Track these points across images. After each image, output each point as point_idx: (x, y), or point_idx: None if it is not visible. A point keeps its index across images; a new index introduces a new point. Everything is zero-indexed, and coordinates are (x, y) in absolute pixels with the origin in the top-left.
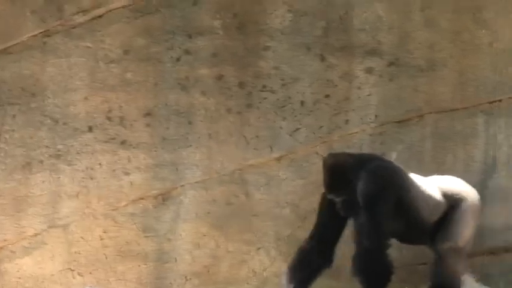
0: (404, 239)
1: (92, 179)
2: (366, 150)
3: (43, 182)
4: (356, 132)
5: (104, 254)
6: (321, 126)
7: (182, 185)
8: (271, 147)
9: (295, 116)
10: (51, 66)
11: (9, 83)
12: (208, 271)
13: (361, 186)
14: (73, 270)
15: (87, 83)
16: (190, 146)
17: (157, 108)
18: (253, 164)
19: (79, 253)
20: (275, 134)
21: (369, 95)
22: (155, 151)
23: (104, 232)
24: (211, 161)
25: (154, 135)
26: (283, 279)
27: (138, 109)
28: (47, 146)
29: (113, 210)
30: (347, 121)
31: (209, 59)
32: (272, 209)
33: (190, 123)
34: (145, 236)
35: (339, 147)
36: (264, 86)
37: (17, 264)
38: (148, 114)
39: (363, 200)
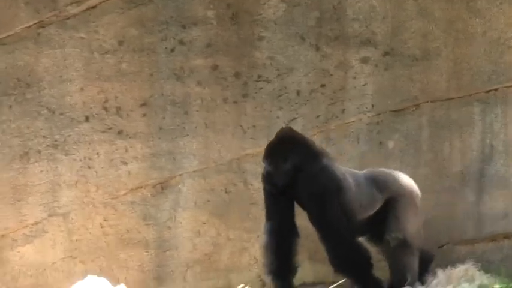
0: None
1: (89, 168)
2: (363, 139)
3: (41, 171)
4: (353, 122)
5: (105, 241)
6: (318, 116)
7: (180, 174)
8: (268, 137)
9: (292, 106)
10: (45, 57)
11: (4, 74)
12: (210, 259)
13: (304, 188)
14: (75, 258)
15: (82, 74)
16: (187, 135)
17: (153, 99)
18: (251, 153)
19: (80, 241)
20: (272, 123)
21: (364, 85)
22: (152, 141)
23: (105, 220)
24: (209, 150)
25: (151, 125)
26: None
27: (134, 99)
28: (44, 136)
29: (112, 198)
30: (343, 110)
31: (204, 49)
32: None
33: (186, 113)
34: (146, 224)
35: (336, 137)
36: (260, 76)
37: (19, 252)
38: (144, 104)
39: (314, 200)
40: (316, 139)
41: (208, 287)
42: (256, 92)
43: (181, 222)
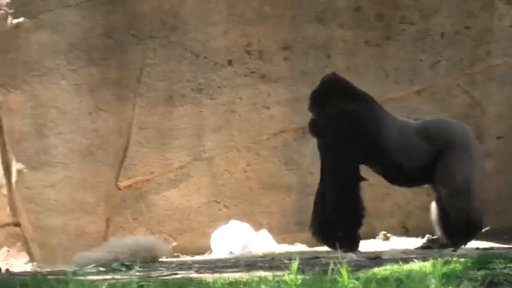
0: (391, 181)
1: (233, 112)
2: (508, 82)
3: (186, 115)
4: (498, 64)
5: (248, 186)
6: (462, 59)
7: None
8: (411, 80)
9: (435, 48)
10: (190, 0)
11: (149, 17)
12: None
13: (331, 128)
14: (219, 203)
15: (225, 17)
16: None
17: (296, 42)
18: (393, 97)
19: (224, 185)
20: (415, 66)
21: (510, 26)
22: (294, 85)
23: (248, 165)
24: None
25: (293, 69)
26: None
27: (276, 43)
28: (188, 80)
29: (255, 143)
30: (489, 53)
31: None
32: None
33: (328, 56)
34: (288, 169)
35: (481, 80)
36: (403, 18)
37: (164, 196)
38: (286, 48)
39: (332, 141)
40: (461, 82)
41: None
42: (399, 34)
43: None
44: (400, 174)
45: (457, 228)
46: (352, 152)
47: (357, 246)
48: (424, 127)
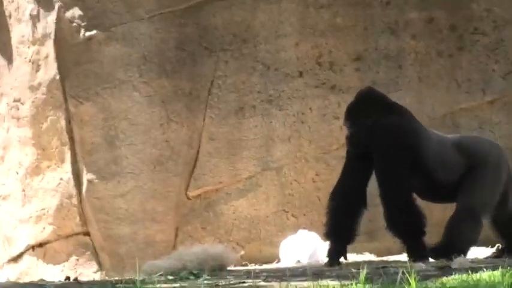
0: (424, 196)
1: (303, 123)
2: None
3: (256, 126)
4: None
5: (317, 196)
6: None
7: None
8: (483, 91)
9: (508, 59)
10: (262, 12)
11: (221, 30)
12: None
13: (376, 140)
14: (287, 212)
15: (297, 29)
16: (400, 90)
17: (367, 53)
18: (465, 108)
19: (292, 195)
20: (487, 77)
21: None
22: None
23: (316, 175)
24: (422, 104)
25: (364, 80)
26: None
27: (347, 54)
28: (259, 92)
29: (324, 153)
30: None
31: (419, 2)
32: None
33: (400, 67)
34: None
35: None
36: (476, 29)
37: (233, 205)
38: (357, 58)
39: (380, 153)
40: None
41: None
42: (472, 45)
43: None
44: (437, 188)
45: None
46: (403, 164)
47: (427, 255)
48: (460, 142)
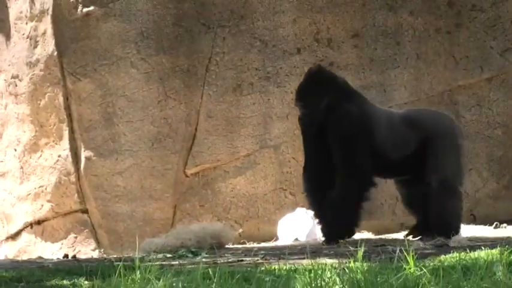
0: (381, 174)
1: None
2: None
3: (253, 103)
4: None
5: None
6: None
7: (390, 106)
8: (481, 68)
9: (506, 36)
10: None
11: (219, 6)
12: None
13: (333, 129)
14: (285, 190)
15: (295, 5)
16: (398, 66)
17: (365, 29)
18: (463, 85)
19: (290, 173)
20: (485, 53)
21: None
22: (363, 72)
23: None
24: (420, 81)
25: (362, 57)
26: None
27: (345, 30)
28: (256, 69)
29: None
30: None
31: None
32: (483, 130)
33: (398, 43)
34: None
35: None
36: (474, 5)
37: (231, 183)
38: (355, 35)
39: (339, 141)
40: None
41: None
42: (470, 22)
43: None
44: (392, 164)
45: (438, 224)
46: (362, 151)
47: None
48: (409, 116)
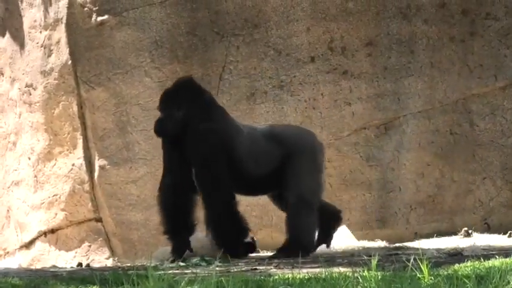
0: (243, 191)
1: (314, 109)
2: None
3: (267, 112)
4: None
5: (329, 182)
6: None
7: (404, 115)
8: (495, 76)
9: None
10: None
11: (233, 15)
12: (433, 200)
13: (191, 146)
14: None
15: (309, 14)
16: (412, 75)
17: (379, 38)
18: (477, 93)
19: None
20: (499, 62)
21: None
22: (377, 81)
23: (328, 161)
24: (434, 90)
25: (375, 65)
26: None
27: (359, 39)
28: (270, 77)
29: (336, 139)
30: None
31: None
32: (497, 139)
33: (412, 52)
34: (369, 165)
35: None
36: (488, 14)
37: None
38: (369, 43)
39: (198, 160)
40: None
41: (431, 229)
42: (484, 30)
43: (404, 164)
44: (254, 181)
45: (290, 240)
46: (220, 169)
47: (240, 252)
48: (272, 132)
